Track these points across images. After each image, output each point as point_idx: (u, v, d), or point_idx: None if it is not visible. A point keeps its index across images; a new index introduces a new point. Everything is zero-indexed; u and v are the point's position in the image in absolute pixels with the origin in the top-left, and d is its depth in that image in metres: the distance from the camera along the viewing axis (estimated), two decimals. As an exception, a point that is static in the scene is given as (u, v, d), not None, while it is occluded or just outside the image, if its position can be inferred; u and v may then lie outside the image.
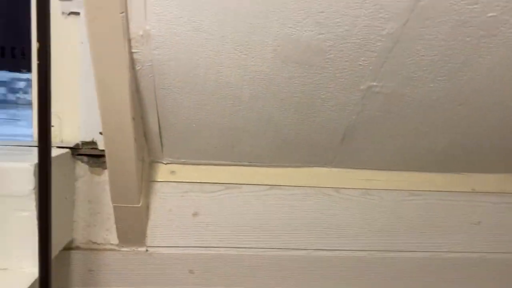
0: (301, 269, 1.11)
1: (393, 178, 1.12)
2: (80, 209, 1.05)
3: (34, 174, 0.83)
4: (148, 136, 0.98)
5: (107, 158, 0.93)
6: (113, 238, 1.07)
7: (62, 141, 1.05)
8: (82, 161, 1.05)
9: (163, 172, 1.06)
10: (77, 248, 1.06)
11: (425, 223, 1.14)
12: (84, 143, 1.05)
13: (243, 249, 1.10)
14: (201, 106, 0.91)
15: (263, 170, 1.09)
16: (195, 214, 1.08)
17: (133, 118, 0.87)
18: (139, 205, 0.99)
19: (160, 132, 0.97)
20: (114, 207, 0.99)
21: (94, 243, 1.06)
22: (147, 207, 1.06)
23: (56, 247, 0.94)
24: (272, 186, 1.10)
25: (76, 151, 1.05)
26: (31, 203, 0.85)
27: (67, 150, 1.01)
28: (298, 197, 1.11)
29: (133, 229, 1.04)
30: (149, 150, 1.02)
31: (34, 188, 0.84)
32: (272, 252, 1.10)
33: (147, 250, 1.07)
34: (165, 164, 1.06)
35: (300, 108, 0.90)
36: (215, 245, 1.09)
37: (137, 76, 0.84)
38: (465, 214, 1.15)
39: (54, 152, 0.95)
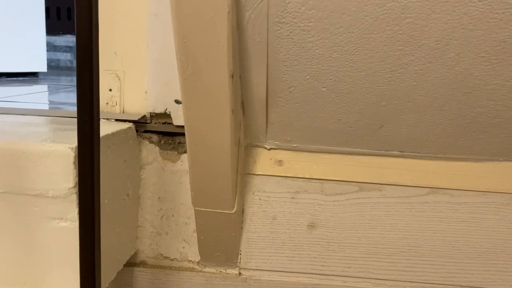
0: (474, 319, 0.71)
1: None
2: (147, 210, 0.74)
3: (74, 163, 0.51)
4: (248, 106, 0.63)
5: (187, 137, 0.59)
6: (193, 254, 0.74)
7: (123, 112, 0.73)
8: (151, 141, 0.73)
9: (265, 161, 0.71)
10: (143, 264, 0.75)
11: None
12: (154, 116, 0.72)
13: (383, 282, 0.72)
14: (342, 56, 0.53)
15: (421, 164, 0.69)
16: (311, 226, 0.72)
17: (232, 76, 0.52)
18: (232, 212, 0.65)
19: (267, 100, 0.61)
20: (196, 212, 0.66)
21: (166, 258, 0.75)
22: (241, 212, 0.71)
23: (112, 267, 0.64)
24: (434, 189, 0.70)
25: (142, 126, 0.73)
26: (71, 208, 0.53)
27: (130, 124, 0.69)
28: (476, 208, 0.70)
29: (222, 243, 0.70)
30: (246, 128, 0.67)
31: (74, 186, 0.52)
32: (428, 289, 0.72)
33: (240, 274, 0.73)
34: (268, 149, 0.71)
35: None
36: (341, 273, 0.72)
37: (240, 7, 0.48)
38: None
39: (108, 128, 0.62)
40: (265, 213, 0.72)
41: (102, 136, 0.56)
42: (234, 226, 0.67)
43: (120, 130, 0.64)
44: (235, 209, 0.64)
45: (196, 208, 0.65)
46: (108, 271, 0.62)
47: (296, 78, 0.57)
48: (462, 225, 0.70)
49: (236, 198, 0.65)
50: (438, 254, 0.71)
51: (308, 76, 0.57)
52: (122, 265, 0.68)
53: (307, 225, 0.72)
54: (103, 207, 0.57)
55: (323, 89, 0.58)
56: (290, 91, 0.60)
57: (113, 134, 0.61)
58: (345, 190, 0.71)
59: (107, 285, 0.62)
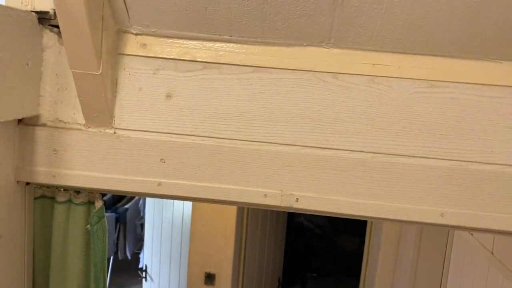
0: (286, 167, 0.94)
1: (408, 63, 0.90)
2: (47, 83, 0.97)
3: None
4: (110, -7, 0.86)
5: (58, 15, 0.82)
6: (81, 118, 0.97)
7: (34, 8, 0.97)
8: (52, 31, 0.96)
9: (132, 44, 0.94)
10: (44, 125, 0.98)
11: (447, 123, 0.91)
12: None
13: (221, 140, 0.95)
14: None
15: (246, 48, 0.93)
16: (168, 96, 0.95)
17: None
18: (98, 73, 0.88)
19: (123, -11, 0.85)
20: (74, 74, 0.89)
21: (61, 121, 0.98)
22: (113, 82, 0.95)
23: (8, 111, 0.87)
24: (257, 68, 0.93)
25: (47, 21, 0.96)
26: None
27: (33, 13, 0.92)
28: (287, 82, 0.93)
29: (98, 105, 0.93)
30: (113, 12, 0.90)
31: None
32: (254, 145, 0.95)
33: (115, 133, 0.96)
34: (135, 35, 0.94)
35: None
36: (190, 133, 0.96)
37: None
38: (503, 115, 0.90)
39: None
40: (133, 85, 0.95)
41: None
42: (103, 88, 0.91)
43: (20, 10, 0.88)
44: (100, 71, 0.88)
45: (72, 70, 0.88)
46: (4, 111, 0.85)
47: (135, -33, 0.81)
48: (279, 96, 0.93)
49: (101, 63, 0.88)
50: (261, 118, 0.94)
51: (145, -34, 0.80)
52: (22, 116, 0.92)
53: (165, 95, 0.95)
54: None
55: (156, -24, 0.82)
56: (136, -20, 0.83)
57: (11, 8, 0.84)
58: (193, 67, 0.94)
59: (1, 120, 0.85)
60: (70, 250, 1.07)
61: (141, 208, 4.87)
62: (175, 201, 3.17)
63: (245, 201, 0.96)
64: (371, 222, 2.77)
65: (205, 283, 2.63)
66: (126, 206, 4.79)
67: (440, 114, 0.91)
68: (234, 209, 2.59)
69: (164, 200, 3.22)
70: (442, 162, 0.91)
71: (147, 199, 3.41)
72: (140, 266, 3.94)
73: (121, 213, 4.60)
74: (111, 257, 4.61)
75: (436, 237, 2.05)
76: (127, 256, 4.66)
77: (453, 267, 1.86)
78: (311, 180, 0.94)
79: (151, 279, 3.34)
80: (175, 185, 0.97)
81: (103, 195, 1.07)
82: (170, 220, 3.19)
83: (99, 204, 1.05)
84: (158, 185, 0.97)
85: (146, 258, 3.34)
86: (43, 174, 0.97)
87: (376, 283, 2.40)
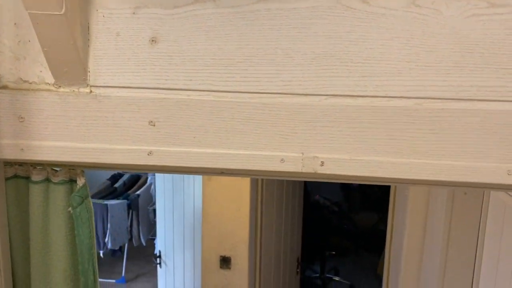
0: (307, 124, 0.74)
1: (461, -24, 0.68)
2: (5, 36, 0.78)
3: None
4: None
5: None
6: (49, 77, 0.78)
7: None
8: (5, -31, 0.77)
9: (105, -24, 0.75)
10: (5, 87, 0.79)
11: (515, 54, 0.70)
12: None
13: (222, 94, 0.76)
14: None
15: (250, -28, 0.72)
16: (153, 41, 0.76)
17: None
18: (61, 12, 0.68)
19: None
20: (31, 17, 0.70)
21: (26, 81, 0.79)
22: (84, 27, 0.75)
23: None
24: (264, -4, 0.73)
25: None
26: None
27: None
28: (303, 13, 0.72)
29: (67, 56, 0.74)
30: None
31: None
32: (265, 98, 0.75)
33: (91, 91, 0.78)
34: (108, -36, 0.74)
35: None
36: (183, 87, 0.76)
37: None
38: None
39: None
40: (109, 30, 0.76)
41: None
42: (70, 32, 0.71)
43: None
44: (63, 10, 0.68)
45: (29, 12, 0.69)
46: None
47: None
48: (293, 32, 0.73)
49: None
50: (272, 63, 0.74)
51: None
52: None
53: (149, 40, 0.76)
54: None
55: None
56: None
57: None
58: (182, 2, 0.74)
59: None
60: (52, 238, 0.90)
61: (153, 194, 4.75)
62: (185, 183, 3.01)
63: (257, 168, 0.77)
64: (394, 193, 2.58)
65: (221, 267, 2.47)
66: (138, 192, 4.68)
67: (504, 43, 0.70)
68: (247, 188, 2.41)
69: (174, 183, 3.06)
70: (508, 105, 0.71)
71: (157, 183, 3.25)
72: (155, 252, 3.83)
73: (133, 199, 4.49)
74: (126, 244, 4.53)
75: (469, 202, 1.86)
76: (141, 243, 4.57)
77: (490, 231, 1.67)
78: (339, 138, 0.75)
79: (166, 264, 3.21)
80: (169, 154, 0.78)
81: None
82: (181, 204, 3.04)
83: (81, 181, 0.87)
84: (148, 155, 0.78)
85: (160, 244, 3.20)
86: (9, 147, 0.80)
87: (403, 255, 2.22)
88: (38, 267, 0.90)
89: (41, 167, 0.86)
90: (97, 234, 4.16)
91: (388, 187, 2.69)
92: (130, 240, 4.51)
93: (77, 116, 0.78)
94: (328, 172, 0.75)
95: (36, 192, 0.88)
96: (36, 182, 0.88)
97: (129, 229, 4.48)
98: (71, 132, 0.79)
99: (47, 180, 0.88)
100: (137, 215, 4.54)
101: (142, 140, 0.78)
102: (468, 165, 0.72)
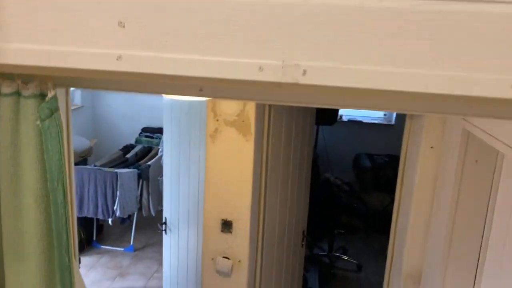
0: (288, 27, 0.67)
1: None
2: None
3: None
4: None
5: None
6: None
7: None
8: None
9: None
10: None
11: None
12: None
13: (198, -9, 0.69)
14: None
15: None
16: None
17: None
18: None
19: None
20: None
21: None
22: None
23: None
24: None
25: None
26: None
27: None
28: None
29: None
30: None
31: None
32: (243, -4, 0.68)
33: (57, -12, 0.72)
34: None
35: None
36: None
37: None
38: None
39: None
40: None
41: None
42: None
43: None
44: None
45: None
46: None
47: None
48: None
49: None
50: (252, -45, 0.66)
51: None
52: None
53: None
54: None
55: None
56: None
57: None
58: None
59: None
60: (22, 156, 0.85)
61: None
62: (191, 148, 2.97)
63: (232, 77, 0.70)
64: (403, 169, 2.48)
65: (222, 230, 2.44)
66: (149, 163, 4.69)
67: None
68: (250, 152, 2.35)
69: (180, 149, 3.02)
70: (518, 5, 0.62)
71: (164, 148, 3.22)
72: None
73: (143, 169, 4.50)
74: (135, 214, 4.55)
75: (480, 172, 1.77)
76: (151, 213, 4.58)
77: (502, 191, 1.58)
78: (324, 44, 0.67)
79: (171, 230, 3.20)
80: (139, 58, 0.72)
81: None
82: (188, 171, 3.00)
83: (51, 93, 0.82)
84: (117, 59, 0.72)
85: (166, 211, 3.18)
86: (-29, 49, 0.75)
87: (410, 219, 2.14)
88: (7, 186, 0.86)
89: (10, 78, 0.82)
90: (106, 201, 4.18)
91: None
92: (140, 210, 4.53)
93: (38, 13, 0.72)
94: (310, 82, 0.68)
95: (5, 105, 0.83)
96: (5, 95, 0.83)
97: (139, 198, 4.50)
98: (32, 33, 0.73)
99: (17, 93, 0.83)
100: (147, 186, 4.55)
101: (110, 43, 0.72)
102: (467, 76, 0.64)
